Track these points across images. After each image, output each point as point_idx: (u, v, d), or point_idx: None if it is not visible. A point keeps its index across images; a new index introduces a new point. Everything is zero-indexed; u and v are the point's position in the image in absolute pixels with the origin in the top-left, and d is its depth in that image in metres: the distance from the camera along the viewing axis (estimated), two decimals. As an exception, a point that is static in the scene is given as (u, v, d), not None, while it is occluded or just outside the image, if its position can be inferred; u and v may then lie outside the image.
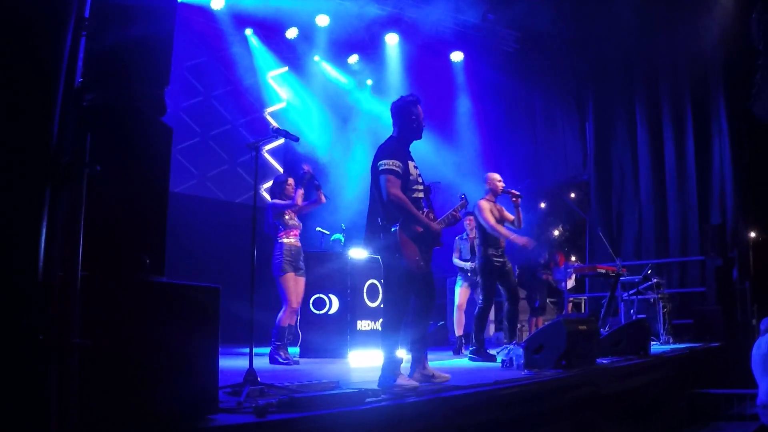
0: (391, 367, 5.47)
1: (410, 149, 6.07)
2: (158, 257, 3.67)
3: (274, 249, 8.79)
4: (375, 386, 5.21)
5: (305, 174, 8.81)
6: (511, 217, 9.94)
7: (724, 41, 14.97)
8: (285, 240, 8.76)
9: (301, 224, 9.02)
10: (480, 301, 9.87)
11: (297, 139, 6.37)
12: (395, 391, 5.04)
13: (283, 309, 8.73)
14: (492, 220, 9.65)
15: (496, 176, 10.16)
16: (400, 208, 5.58)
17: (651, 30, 15.92)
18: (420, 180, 5.94)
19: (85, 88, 3.22)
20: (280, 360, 8.45)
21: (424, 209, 5.88)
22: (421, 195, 5.87)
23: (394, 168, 5.65)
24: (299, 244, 8.93)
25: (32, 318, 2.76)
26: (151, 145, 3.64)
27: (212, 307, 3.78)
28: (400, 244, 5.52)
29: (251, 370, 4.89)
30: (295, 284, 8.76)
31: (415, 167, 5.89)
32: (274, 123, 15.17)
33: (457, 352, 10.94)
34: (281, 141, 6.59)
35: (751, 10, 13.97)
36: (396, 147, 5.91)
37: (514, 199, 9.81)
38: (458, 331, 11.25)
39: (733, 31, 14.65)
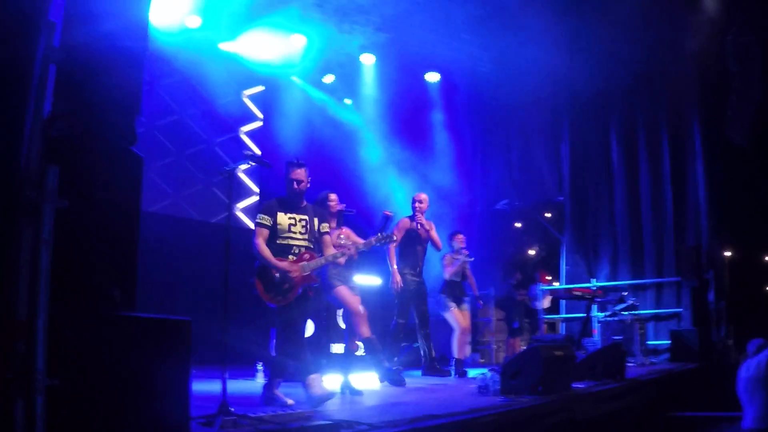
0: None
1: None
2: (129, 290, 3.59)
3: None
4: (349, 416, 5.15)
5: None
6: (436, 239, 10.29)
7: (700, 63, 15.05)
8: None
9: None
10: (394, 319, 10.11)
11: (270, 165, 6.33)
12: (371, 422, 4.96)
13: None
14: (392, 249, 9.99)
15: (422, 196, 10.37)
16: (257, 254, 6.83)
17: (627, 52, 15.98)
18: (296, 229, 6.96)
19: (55, 118, 3.16)
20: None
21: (299, 252, 6.91)
22: (292, 242, 6.90)
23: (260, 221, 6.88)
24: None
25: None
26: (122, 176, 3.57)
27: (183, 339, 3.71)
28: (254, 284, 6.81)
29: (224, 401, 4.81)
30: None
31: (291, 218, 6.94)
32: (250, 144, 15.10)
33: (462, 375, 10.83)
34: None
35: (726, 32, 14.07)
36: (271, 203, 7.04)
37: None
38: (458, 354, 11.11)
39: (708, 53, 14.73)
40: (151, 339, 3.55)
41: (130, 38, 3.58)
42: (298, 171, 6.95)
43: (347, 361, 8.75)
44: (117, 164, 3.54)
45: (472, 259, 11.58)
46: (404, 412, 5.51)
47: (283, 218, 6.91)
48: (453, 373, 10.86)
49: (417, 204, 10.19)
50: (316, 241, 7.11)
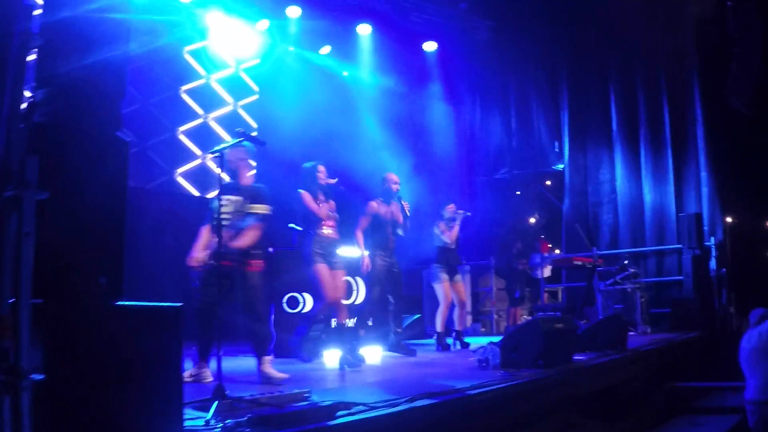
0: None
1: None
2: (116, 277, 3.52)
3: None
4: (346, 395, 5.10)
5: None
6: (400, 220, 10.10)
7: (699, 28, 14.94)
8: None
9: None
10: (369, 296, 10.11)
11: (263, 144, 6.24)
12: (369, 402, 4.91)
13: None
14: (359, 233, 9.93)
15: (394, 177, 10.22)
16: None
17: (626, 17, 15.87)
18: (223, 210, 6.55)
19: (36, 104, 3.08)
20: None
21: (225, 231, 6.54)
22: (222, 222, 6.31)
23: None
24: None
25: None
26: (107, 162, 3.48)
27: (173, 325, 3.65)
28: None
29: (219, 384, 4.75)
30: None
31: (221, 201, 6.33)
32: (247, 118, 15.03)
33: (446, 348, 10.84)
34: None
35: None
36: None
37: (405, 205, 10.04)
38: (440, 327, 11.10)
39: (708, 17, 14.61)
40: (141, 326, 3.50)
41: (112, 17, 3.48)
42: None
43: (346, 335, 8.75)
44: (102, 150, 3.46)
45: (469, 213, 11.50)
46: (403, 390, 5.46)
47: (222, 200, 6.61)
48: (437, 346, 10.89)
49: (395, 186, 10.11)
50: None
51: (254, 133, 6.18)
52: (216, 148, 5.97)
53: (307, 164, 8.61)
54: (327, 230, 8.45)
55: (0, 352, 2.73)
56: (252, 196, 6.95)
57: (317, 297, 8.74)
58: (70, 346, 3.11)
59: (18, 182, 2.74)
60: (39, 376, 2.82)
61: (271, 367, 6.73)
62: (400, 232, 10.05)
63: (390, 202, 10.00)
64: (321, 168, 8.54)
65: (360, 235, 9.83)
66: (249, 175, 7.18)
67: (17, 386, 2.74)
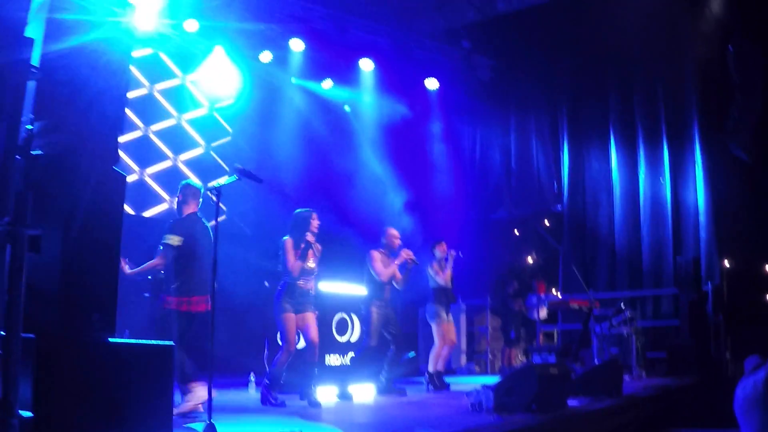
0: None
1: None
2: (109, 313, 3.47)
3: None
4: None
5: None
6: (398, 276, 10.02)
7: (701, 71, 14.97)
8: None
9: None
10: (366, 342, 9.95)
11: (261, 181, 6.22)
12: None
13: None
14: (382, 268, 9.84)
15: (395, 232, 10.23)
16: None
17: (627, 59, 15.92)
18: None
19: (33, 137, 3.04)
20: (272, 402, 8.14)
21: None
22: None
23: None
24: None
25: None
26: (103, 197, 3.44)
27: (165, 364, 3.60)
28: None
29: (210, 424, 4.68)
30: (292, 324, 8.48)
31: None
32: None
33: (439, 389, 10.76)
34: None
35: (727, 40, 13.98)
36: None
37: (408, 259, 9.97)
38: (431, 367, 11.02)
39: (709, 61, 14.65)
40: (134, 364, 3.45)
41: (112, 53, 3.44)
42: None
43: (343, 373, 8.68)
44: (98, 184, 3.42)
45: (461, 254, 11.43)
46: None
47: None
48: (427, 388, 10.81)
49: (396, 240, 10.08)
50: None
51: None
52: (214, 183, 5.96)
53: (301, 210, 8.57)
54: (301, 282, 8.37)
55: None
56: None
57: (281, 341, 8.59)
58: (61, 383, 3.06)
59: (12, 216, 2.70)
60: (28, 414, 2.76)
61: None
62: (397, 285, 10.00)
63: (393, 257, 9.93)
64: (315, 216, 8.49)
65: (384, 270, 9.76)
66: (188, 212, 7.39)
67: (6, 423, 2.68)
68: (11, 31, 2.71)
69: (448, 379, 11.08)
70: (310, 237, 8.31)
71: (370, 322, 9.74)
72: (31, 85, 2.99)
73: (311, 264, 8.40)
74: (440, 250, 11.16)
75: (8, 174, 2.73)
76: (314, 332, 8.44)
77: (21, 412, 2.81)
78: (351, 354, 10.12)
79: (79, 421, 3.11)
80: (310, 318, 8.44)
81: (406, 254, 9.85)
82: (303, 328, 8.41)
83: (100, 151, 3.42)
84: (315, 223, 8.44)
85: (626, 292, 15.57)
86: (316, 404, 8.10)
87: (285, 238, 8.34)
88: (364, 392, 9.73)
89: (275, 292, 8.37)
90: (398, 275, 9.93)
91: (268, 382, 8.19)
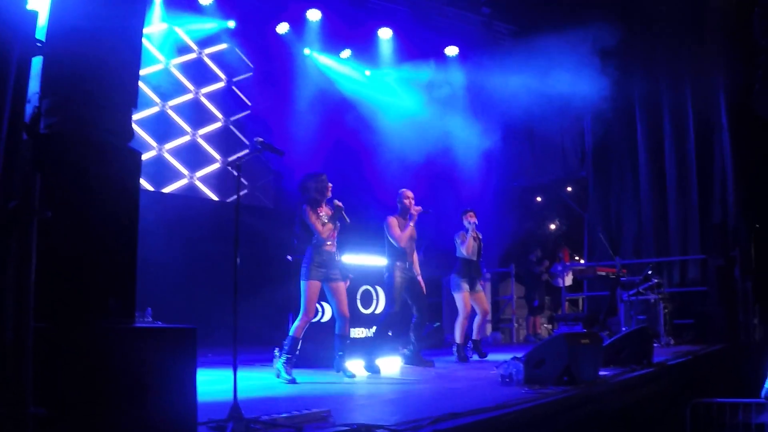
0: None
1: None
2: (127, 298, 3.33)
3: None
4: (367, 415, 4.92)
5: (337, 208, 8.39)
6: (414, 234, 10.03)
7: (726, 35, 14.68)
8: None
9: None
10: (389, 308, 9.87)
11: (282, 153, 6.06)
12: (391, 425, 4.70)
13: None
14: (398, 232, 9.78)
15: (409, 193, 10.11)
16: None
17: (650, 23, 15.65)
18: None
19: (42, 115, 2.89)
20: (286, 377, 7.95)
21: None
22: None
23: None
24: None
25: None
26: (117, 175, 3.28)
27: (188, 348, 3.45)
28: None
29: (235, 404, 4.56)
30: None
31: None
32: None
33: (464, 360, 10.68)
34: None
35: (753, 3, 13.67)
36: None
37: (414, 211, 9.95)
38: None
39: (735, 24, 14.36)
40: (154, 348, 3.30)
41: (123, 23, 3.27)
42: None
43: (369, 345, 8.64)
44: (112, 163, 3.25)
45: (481, 236, 11.30)
46: (425, 409, 5.27)
47: None
48: (456, 357, 10.78)
49: (410, 201, 9.95)
50: None
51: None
52: (235, 156, 5.82)
53: (313, 174, 8.42)
54: (329, 243, 8.25)
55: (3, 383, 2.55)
56: None
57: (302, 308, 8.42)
58: (76, 374, 2.92)
59: (20, 200, 2.55)
60: (40, 410, 2.62)
61: None
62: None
63: (408, 219, 9.81)
64: (324, 178, 8.36)
65: (402, 235, 9.68)
66: None
67: (18, 419, 2.55)
68: (13, 4, 2.56)
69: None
70: (338, 203, 8.27)
71: (393, 287, 9.69)
72: (37, 60, 2.84)
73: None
74: (468, 217, 11.04)
75: (14, 154, 2.57)
76: (345, 305, 8.37)
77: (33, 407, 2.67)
78: (376, 327, 9.97)
79: (94, 413, 2.96)
80: (341, 289, 8.36)
81: (416, 211, 9.79)
82: (334, 300, 8.35)
83: (113, 127, 3.26)
84: (329, 185, 8.34)
85: (653, 259, 15.37)
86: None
87: (304, 206, 8.20)
88: (391, 365, 9.63)
89: (302, 261, 8.23)
90: (414, 233, 9.91)
91: (285, 351, 8.02)
